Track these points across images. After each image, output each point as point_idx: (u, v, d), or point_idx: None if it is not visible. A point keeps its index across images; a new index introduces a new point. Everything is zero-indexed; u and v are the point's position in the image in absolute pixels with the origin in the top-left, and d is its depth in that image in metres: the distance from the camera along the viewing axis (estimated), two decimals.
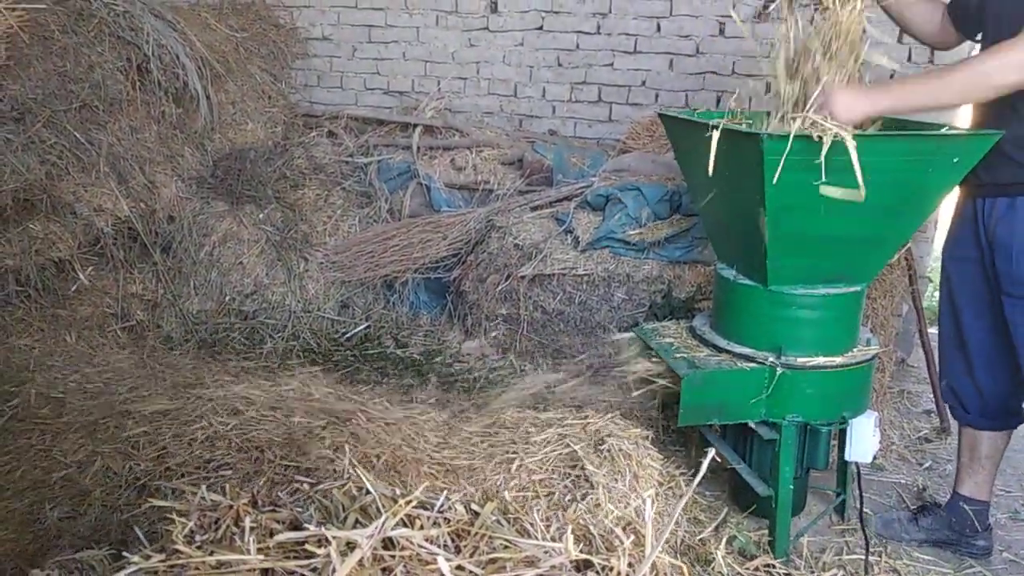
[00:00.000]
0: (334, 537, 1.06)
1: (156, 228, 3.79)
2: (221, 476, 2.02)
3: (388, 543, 1.10)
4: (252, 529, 1.11)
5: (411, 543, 1.08)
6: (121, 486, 2.16)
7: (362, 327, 3.89)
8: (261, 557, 1.03)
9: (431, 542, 1.11)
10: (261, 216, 3.97)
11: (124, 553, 1.09)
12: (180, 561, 1.04)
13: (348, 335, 3.85)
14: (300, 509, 1.25)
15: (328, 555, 1.03)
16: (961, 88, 1.91)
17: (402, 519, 1.15)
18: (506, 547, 1.15)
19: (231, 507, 1.17)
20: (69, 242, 3.60)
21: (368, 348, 3.77)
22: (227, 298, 3.84)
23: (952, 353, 2.34)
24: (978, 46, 2.22)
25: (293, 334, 3.79)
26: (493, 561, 1.10)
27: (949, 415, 3.15)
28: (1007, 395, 2.25)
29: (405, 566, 1.05)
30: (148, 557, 1.05)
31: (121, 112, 3.81)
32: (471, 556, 1.11)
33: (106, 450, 2.30)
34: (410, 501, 1.16)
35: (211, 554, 1.05)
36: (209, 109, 4.04)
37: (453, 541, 1.17)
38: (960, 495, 2.39)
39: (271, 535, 1.14)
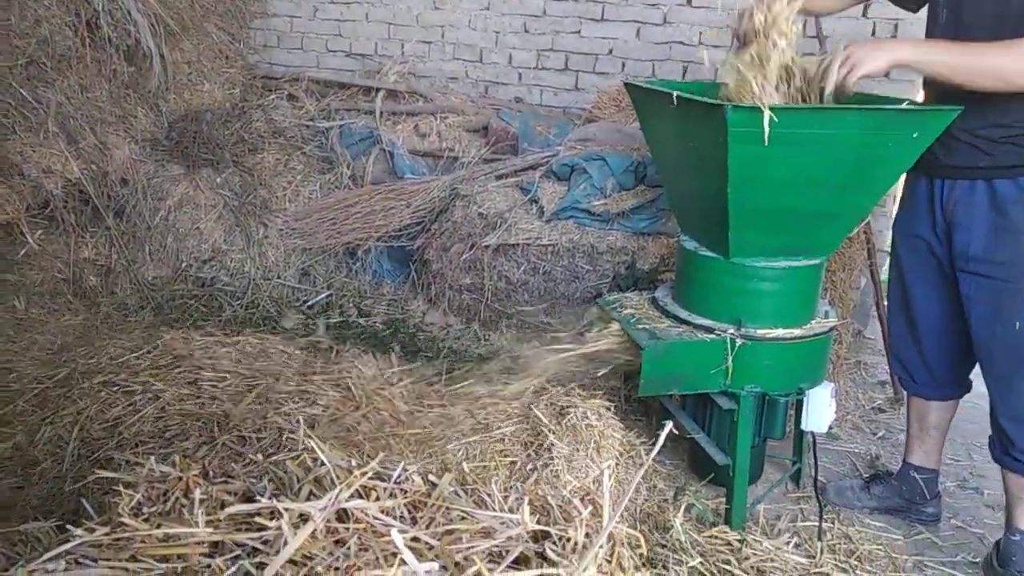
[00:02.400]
0: (286, 509, 1.04)
1: (108, 191, 3.68)
2: (175, 447, 1.98)
3: (343, 515, 1.09)
4: (202, 501, 1.09)
5: (366, 515, 1.07)
6: (72, 456, 2.10)
7: (323, 295, 3.83)
8: (210, 530, 1.01)
9: (386, 513, 1.10)
10: (219, 180, 3.87)
11: (68, 526, 1.06)
12: (126, 534, 1.01)
13: (309, 303, 3.80)
14: (254, 480, 1.23)
15: (280, 527, 1.01)
16: (982, 71, 1.83)
17: (357, 490, 1.13)
18: (463, 518, 1.14)
19: (180, 479, 1.14)
20: (16, 204, 3.47)
21: (330, 317, 3.72)
22: (184, 264, 3.75)
23: (899, 325, 2.38)
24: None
25: (252, 302, 3.72)
26: (449, 532, 1.09)
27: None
28: (954, 366, 2.30)
29: (359, 538, 1.03)
30: (92, 530, 1.02)
31: (70, 69, 3.67)
32: (427, 527, 1.10)
33: (56, 419, 2.23)
34: (365, 472, 1.14)
35: (158, 527, 1.02)
36: (163, 68, 3.91)
37: (409, 512, 1.15)
38: (910, 464, 2.45)
39: (223, 507, 1.11)
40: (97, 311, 3.52)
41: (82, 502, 1.43)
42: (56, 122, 3.54)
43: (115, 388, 2.32)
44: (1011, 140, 1.96)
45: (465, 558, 1.00)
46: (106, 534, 1.01)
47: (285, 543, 0.96)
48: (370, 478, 1.15)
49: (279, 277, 3.83)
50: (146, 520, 1.05)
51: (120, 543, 1.00)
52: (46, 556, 0.97)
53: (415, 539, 1.04)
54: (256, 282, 3.78)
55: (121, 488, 1.12)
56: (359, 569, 0.93)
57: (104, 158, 3.65)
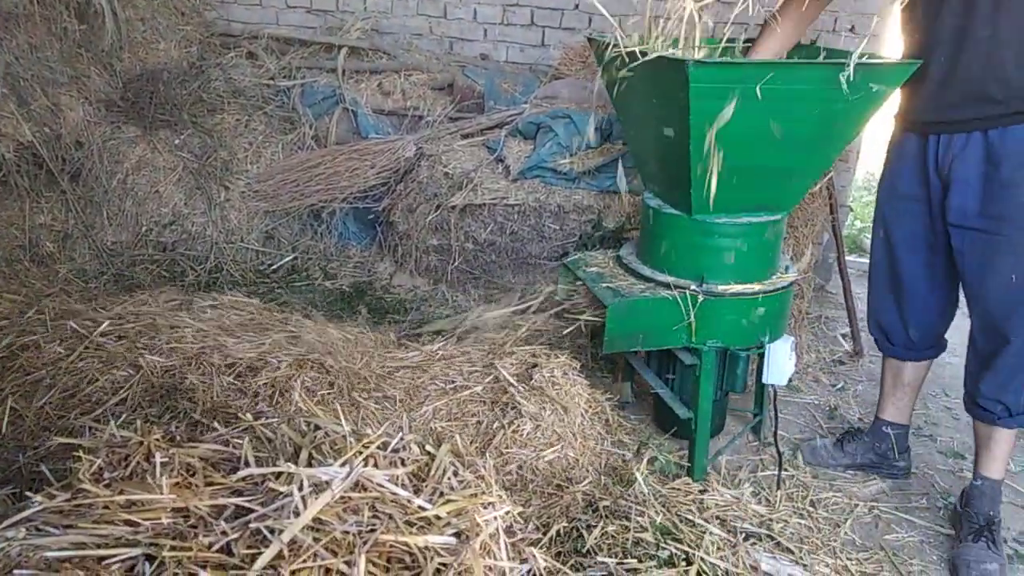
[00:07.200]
0: (308, 476, 1.03)
1: (63, 154, 3.57)
2: (140, 414, 1.97)
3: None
4: (164, 465, 1.09)
5: (371, 482, 1.07)
6: (30, 426, 2.08)
7: (288, 258, 3.80)
8: (173, 496, 1.01)
9: (393, 482, 1.10)
10: (177, 142, 3.78)
11: (28, 492, 1.06)
12: (87, 500, 1.01)
13: (274, 267, 3.76)
14: (239, 442, 1.21)
15: (290, 494, 1.00)
16: None
17: (366, 458, 1.13)
18: (465, 487, 1.14)
19: (142, 443, 1.14)
20: None
21: (295, 280, 3.69)
22: (144, 229, 3.67)
23: (882, 291, 2.35)
24: None
25: (216, 266, 3.67)
26: (451, 502, 1.10)
27: (867, 342, 3.29)
28: (935, 327, 2.33)
29: (372, 505, 1.03)
30: (52, 496, 1.01)
31: (18, 28, 3.54)
32: (432, 497, 1.10)
33: (12, 389, 2.19)
34: (372, 442, 1.14)
35: (120, 492, 1.02)
36: (116, 26, 3.78)
37: (411, 481, 1.15)
38: (883, 420, 2.48)
39: (189, 471, 1.11)
40: (55, 278, 3.44)
41: (42, 469, 1.42)
42: (6, 83, 3.42)
43: (74, 356, 2.29)
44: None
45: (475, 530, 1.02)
46: (67, 500, 1.01)
47: (296, 509, 0.96)
48: (364, 445, 1.15)
49: (242, 240, 3.78)
50: (107, 486, 1.04)
51: (81, 509, 1.00)
52: (5, 524, 0.97)
53: (422, 508, 1.05)
54: (219, 246, 3.72)
55: (82, 454, 1.12)
56: (372, 530, 0.94)
57: (57, 120, 3.54)
